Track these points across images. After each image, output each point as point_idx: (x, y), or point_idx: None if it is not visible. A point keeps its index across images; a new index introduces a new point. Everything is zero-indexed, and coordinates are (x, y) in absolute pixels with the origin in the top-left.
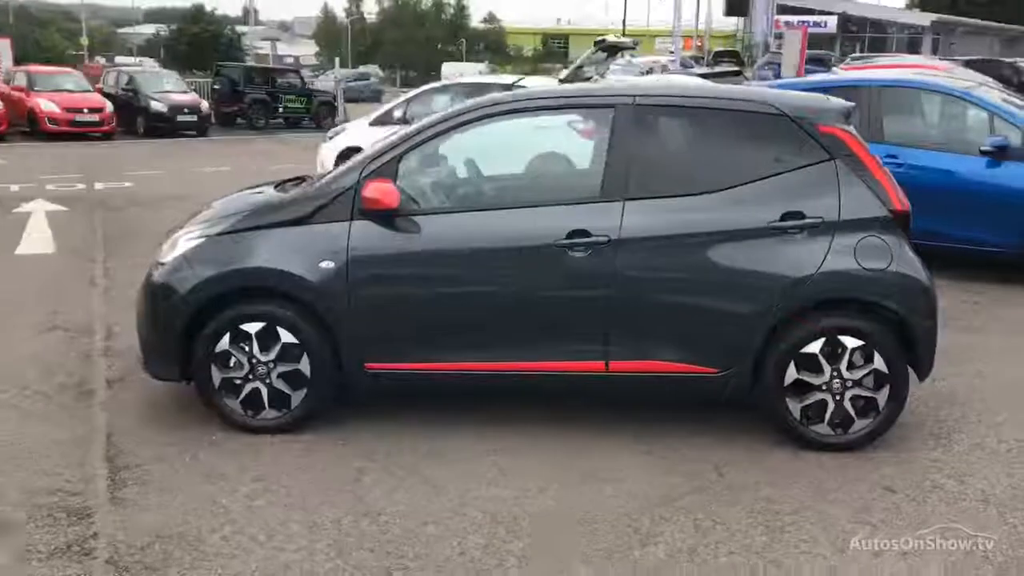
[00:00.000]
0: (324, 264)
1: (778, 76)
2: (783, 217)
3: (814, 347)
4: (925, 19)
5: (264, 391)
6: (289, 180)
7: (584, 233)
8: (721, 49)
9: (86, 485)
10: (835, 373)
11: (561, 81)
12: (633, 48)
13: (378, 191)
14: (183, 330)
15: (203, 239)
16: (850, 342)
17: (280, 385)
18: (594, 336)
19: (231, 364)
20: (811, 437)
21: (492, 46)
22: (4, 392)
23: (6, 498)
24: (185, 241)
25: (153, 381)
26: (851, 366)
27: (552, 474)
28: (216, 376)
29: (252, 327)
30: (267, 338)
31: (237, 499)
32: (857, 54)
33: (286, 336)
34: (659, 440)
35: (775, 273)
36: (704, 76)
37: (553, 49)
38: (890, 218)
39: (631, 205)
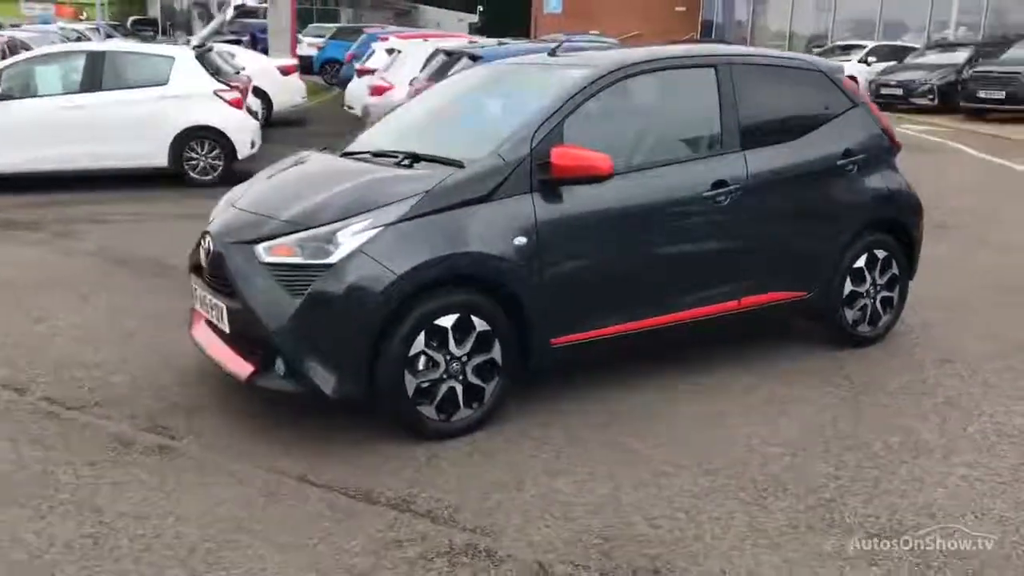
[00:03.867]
0: (518, 241)
1: (255, 43)
2: (843, 155)
3: (862, 262)
4: None
5: (459, 389)
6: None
7: (724, 183)
8: (139, 17)
9: (426, 542)
10: (872, 281)
11: (195, 48)
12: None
13: (589, 158)
14: (377, 336)
15: (379, 229)
16: (880, 253)
17: (474, 379)
18: (734, 277)
19: (422, 366)
20: (857, 336)
21: None
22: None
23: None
24: (354, 235)
25: (200, 415)
26: (880, 273)
27: (760, 410)
28: (410, 382)
29: (447, 320)
30: (461, 330)
31: (576, 503)
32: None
33: (480, 324)
34: (749, 368)
35: (844, 203)
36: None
37: None
38: (893, 150)
39: (749, 154)
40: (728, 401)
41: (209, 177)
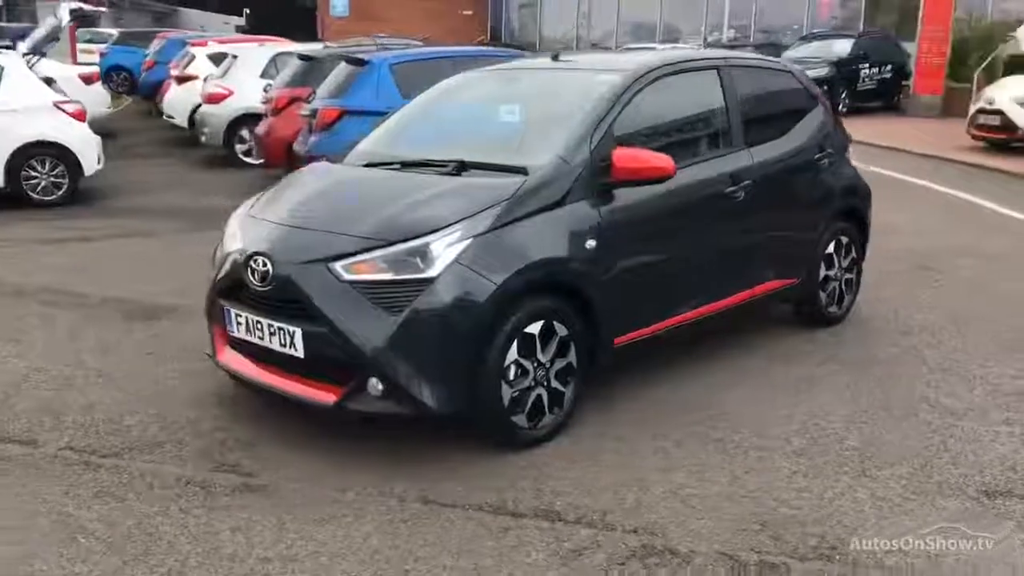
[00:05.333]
0: (589, 244)
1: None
2: (818, 150)
3: (831, 247)
4: None
5: (545, 395)
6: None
7: (739, 179)
8: None
9: (602, 547)
10: (839, 264)
11: (25, 56)
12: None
13: (652, 159)
14: (478, 348)
15: (470, 240)
16: (844, 239)
17: (556, 384)
18: (750, 266)
19: (513, 375)
20: (829, 316)
21: None
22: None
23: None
24: (448, 247)
25: (256, 447)
26: (844, 257)
27: (790, 390)
28: (506, 392)
29: (535, 327)
30: (545, 336)
31: (708, 495)
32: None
33: (561, 329)
34: (750, 352)
35: (821, 194)
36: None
37: None
38: (847, 144)
39: (753, 151)
40: (757, 384)
41: (53, 197)
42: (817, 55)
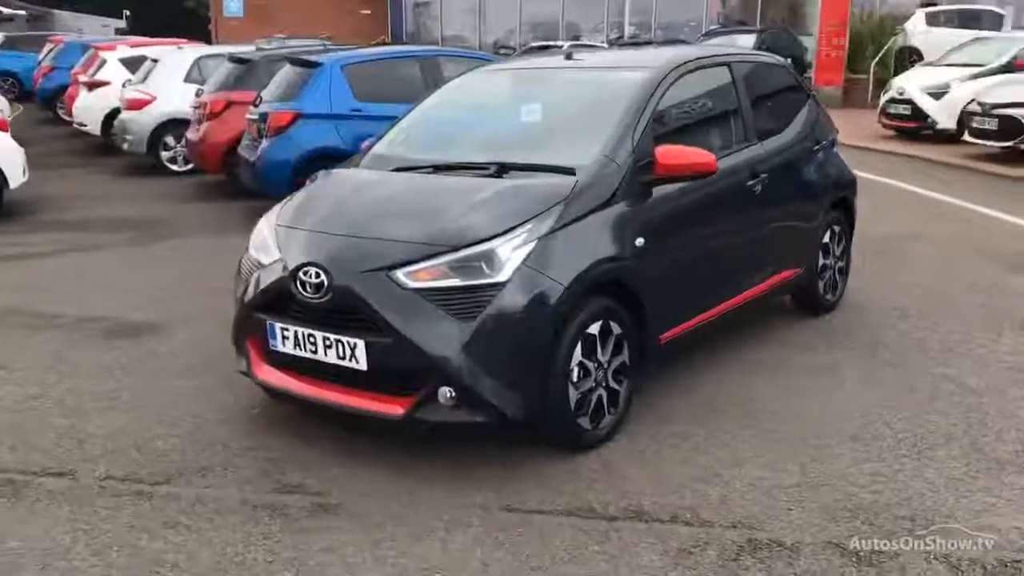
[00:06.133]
0: (638, 242)
1: None
2: (815, 142)
3: (827, 237)
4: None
5: (604, 395)
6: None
7: (756, 173)
8: None
9: (710, 545)
10: (833, 253)
11: None
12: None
13: (694, 156)
14: (549, 350)
15: (534, 242)
16: (837, 228)
17: (613, 384)
18: (768, 257)
19: (576, 377)
20: (825, 303)
21: None
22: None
23: None
24: (515, 249)
25: (312, 464)
26: (837, 245)
27: (817, 379)
28: (572, 394)
29: (595, 328)
30: (603, 336)
31: (786, 486)
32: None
33: (616, 328)
34: (764, 342)
35: (820, 185)
36: None
37: None
38: (836, 137)
39: (765, 144)
40: (778, 374)
41: None
42: None
